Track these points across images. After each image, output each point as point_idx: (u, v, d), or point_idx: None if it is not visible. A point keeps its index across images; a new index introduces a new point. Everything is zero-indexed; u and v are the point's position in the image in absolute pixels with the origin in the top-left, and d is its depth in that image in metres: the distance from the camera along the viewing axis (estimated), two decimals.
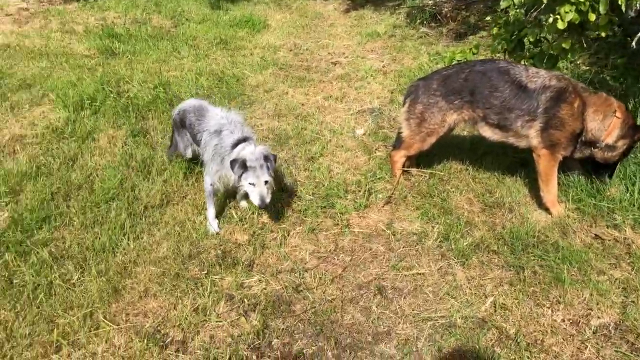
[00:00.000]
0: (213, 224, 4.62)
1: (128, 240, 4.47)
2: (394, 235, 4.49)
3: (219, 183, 4.57)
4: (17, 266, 4.15)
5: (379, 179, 5.25)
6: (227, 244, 4.45)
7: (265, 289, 3.96)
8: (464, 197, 4.93)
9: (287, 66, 8.60)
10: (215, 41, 9.78)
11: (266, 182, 4.21)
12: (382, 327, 3.61)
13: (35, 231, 4.55)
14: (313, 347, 3.46)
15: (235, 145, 4.34)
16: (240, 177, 4.19)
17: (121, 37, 9.71)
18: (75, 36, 10.08)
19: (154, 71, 8.04)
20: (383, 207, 4.85)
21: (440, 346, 3.42)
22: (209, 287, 3.94)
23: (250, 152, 4.23)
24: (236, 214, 4.79)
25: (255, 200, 4.23)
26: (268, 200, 4.25)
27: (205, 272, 4.12)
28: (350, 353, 3.41)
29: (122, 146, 5.90)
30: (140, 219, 4.74)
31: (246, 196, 4.52)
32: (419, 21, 10.61)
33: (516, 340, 3.42)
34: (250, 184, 4.20)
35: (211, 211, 4.64)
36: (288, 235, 4.53)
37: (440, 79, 4.89)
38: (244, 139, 4.36)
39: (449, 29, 10.14)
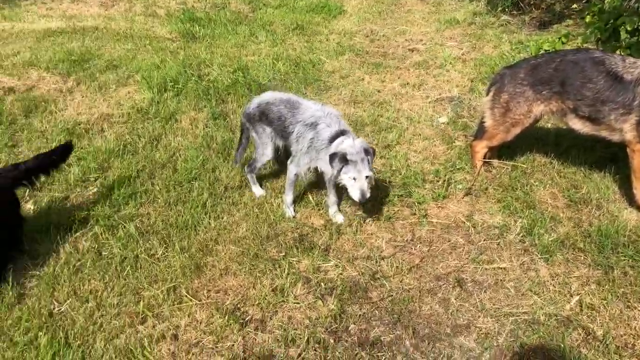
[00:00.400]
0: (290, 209, 4.64)
1: (209, 219, 4.59)
2: (474, 227, 4.39)
3: (305, 175, 4.55)
4: (105, 239, 4.35)
5: (458, 169, 5.14)
6: (303, 228, 4.49)
7: (341, 274, 3.97)
8: (548, 191, 4.75)
9: (363, 52, 8.54)
10: (291, 26, 9.84)
11: (367, 176, 4.11)
12: (461, 319, 3.54)
13: (122, 206, 4.75)
14: (390, 335, 3.44)
15: (333, 138, 4.23)
16: (339, 171, 4.10)
17: (201, 21, 9.94)
18: (158, 19, 10.40)
19: (233, 55, 8.19)
20: (463, 198, 4.75)
21: (522, 343, 3.32)
22: (286, 269, 3.99)
23: (350, 145, 4.10)
24: (313, 198, 4.82)
25: (356, 195, 4.14)
26: (368, 195, 4.14)
27: (283, 254, 4.17)
28: (428, 343, 3.38)
29: (203, 128, 6.05)
30: (221, 199, 4.86)
31: (327, 183, 4.50)
32: (500, 8, 10.26)
33: (604, 342, 3.28)
34: (351, 178, 4.12)
35: (289, 197, 4.63)
36: (364, 223, 4.52)
37: (528, 67, 4.71)
38: (341, 132, 4.25)
39: (532, 17, 9.75)
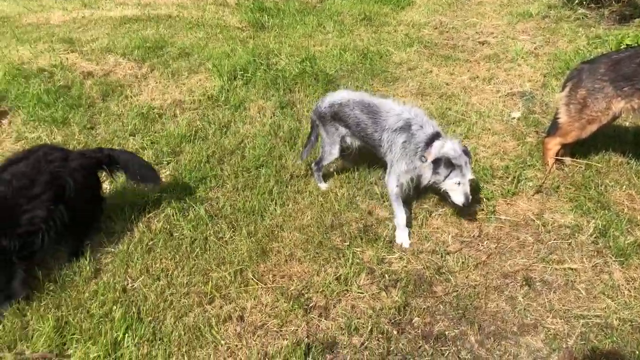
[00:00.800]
0: (403, 234, 4.19)
1: (275, 205, 4.67)
2: (544, 226, 4.27)
3: (406, 183, 4.25)
4: (177, 220, 4.51)
5: (529, 166, 5.01)
6: (368, 219, 4.50)
7: (406, 266, 3.96)
8: (625, 192, 4.56)
9: (432, 44, 8.41)
10: (359, 17, 9.81)
11: (470, 179, 3.99)
12: (528, 318, 3.47)
13: (192, 190, 4.90)
14: (455, 330, 3.41)
15: (429, 141, 4.00)
16: (447, 177, 3.92)
17: (270, 11, 10.05)
18: (228, 9, 10.60)
19: (301, 45, 8.25)
20: (533, 196, 4.62)
21: (594, 347, 3.22)
22: (350, 259, 4.02)
23: (452, 148, 3.91)
24: (378, 189, 4.81)
25: (460, 200, 4.01)
26: (470, 198, 4.04)
27: (347, 243, 4.20)
28: (494, 341, 3.33)
29: (271, 116, 6.15)
30: (286, 186, 4.93)
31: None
32: (576, 1, 9.84)
33: None
34: (455, 183, 3.95)
35: (401, 217, 4.20)
36: (430, 217, 4.48)
37: (609, 63, 4.52)
38: (436, 134, 4.03)
39: (612, 11, 9.30)
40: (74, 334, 3.46)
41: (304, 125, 5.87)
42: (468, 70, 7.33)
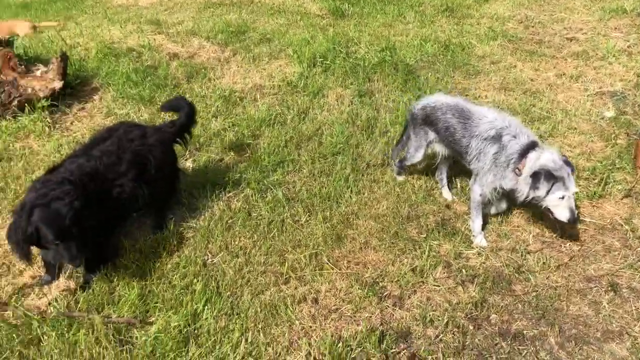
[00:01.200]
0: (479, 239, 4.11)
1: (350, 193, 4.69)
2: (633, 232, 4.09)
3: (490, 194, 4.06)
4: (255, 201, 4.61)
5: (618, 168, 4.79)
6: (445, 212, 4.45)
7: (484, 263, 3.90)
8: None
9: (517, 39, 8.14)
10: (441, 8, 9.61)
11: (574, 192, 3.70)
12: (613, 325, 3.34)
13: (270, 173, 4.99)
14: (534, 330, 3.33)
15: (523, 153, 3.75)
16: (548, 191, 3.64)
17: (351, 0, 10.02)
18: None
19: (380, 34, 8.19)
20: (621, 199, 4.42)
21: None
22: (427, 251, 3.99)
23: (550, 160, 3.64)
24: (458, 184, 4.74)
25: (565, 216, 3.69)
26: (577, 213, 3.76)
27: (424, 235, 4.17)
28: (575, 344, 3.23)
29: (349, 105, 6.16)
30: (362, 175, 4.94)
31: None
32: None
33: None
34: (558, 197, 3.65)
35: (478, 223, 4.12)
36: (510, 214, 4.38)
37: None
38: (532, 145, 3.76)
39: None
40: (156, 303, 3.62)
41: (382, 115, 5.86)
42: (554, 67, 7.06)
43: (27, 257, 3.46)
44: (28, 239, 3.35)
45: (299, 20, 8.94)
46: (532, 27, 8.79)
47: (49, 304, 3.64)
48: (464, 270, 3.83)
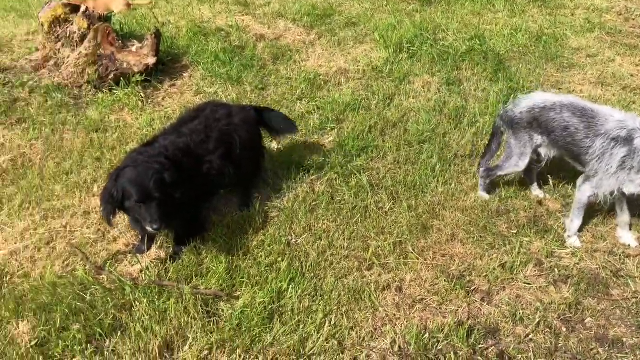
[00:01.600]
0: (574, 238, 3.95)
1: (437, 183, 4.60)
2: None
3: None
4: (339, 185, 4.60)
5: None
6: (537, 209, 4.28)
7: (578, 263, 3.73)
8: None
9: (616, 31, 7.69)
10: None
11: None
12: None
13: (354, 158, 4.95)
14: (635, 339, 3.16)
15: None
16: None
17: None
18: None
19: (469, 22, 7.94)
20: None
21: None
22: (517, 248, 3.85)
23: None
24: (550, 181, 4.54)
25: None
26: None
27: (515, 231, 4.03)
28: None
29: (436, 92, 6.02)
30: (450, 165, 4.83)
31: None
32: None
33: None
34: None
35: (577, 224, 3.94)
36: (608, 215, 4.16)
37: None
38: None
39: None
40: (242, 278, 3.68)
41: (471, 104, 5.69)
42: None
43: (111, 218, 3.63)
44: (114, 200, 3.52)
45: (385, 5, 8.80)
46: (633, 19, 8.28)
47: (141, 271, 3.78)
48: (556, 270, 3.67)
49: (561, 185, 4.49)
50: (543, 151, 4.19)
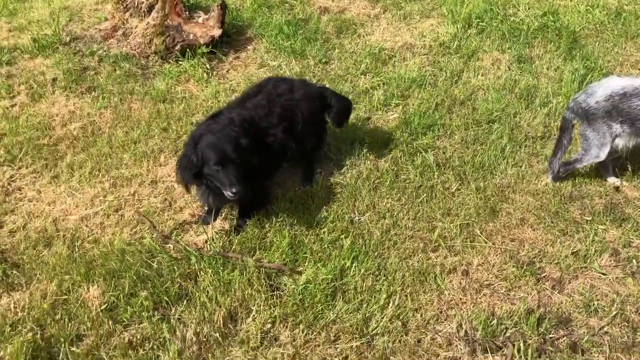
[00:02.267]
0: None
1: (506, 165, 4.44)
2: None
3: None
4: (403, 164, 4.50)
5: None
6: (614, 196, 4.07)
7: None
8: None
9: None
10: None
11: None
12: None
13: (420, 136, 4.83)
14: None
15: None
16: None
17: None
18: None
19: None
20: None
21: None
22: (591, 235, 3.68)
23: None
24: (629, 166, 4.30)
25: None
26: None
27: (589, 218, 3.85)
28: None
29: (506, 70, 5.79)
30: (520, 147, 4.65)
31: None
32: None
33: None
34: None
35: None
36: None
37: None
38: None
39: None
40: (305, 254, 3.67)
41: (543, 84, 5.45)
42: None
43: (189, 184, 3.76)
44: (193, 165, 3.58)
45: None
46: None
47: (206, 242, 3.83)
48: (634, 261, 3.49)
49: None
50: (621, 142, 3.93)
